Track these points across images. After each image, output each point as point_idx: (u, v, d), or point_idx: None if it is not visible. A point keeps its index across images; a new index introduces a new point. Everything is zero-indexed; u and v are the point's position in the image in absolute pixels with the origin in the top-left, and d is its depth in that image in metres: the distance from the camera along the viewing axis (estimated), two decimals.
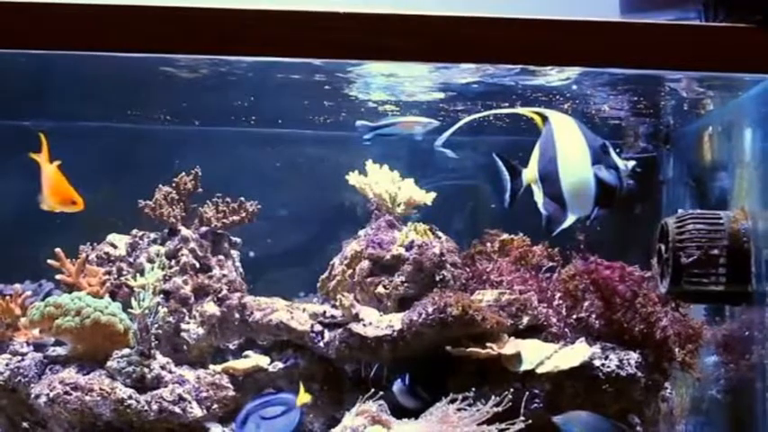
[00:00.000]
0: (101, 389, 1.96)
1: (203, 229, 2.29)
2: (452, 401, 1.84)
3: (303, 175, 2.59)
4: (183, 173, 2.28)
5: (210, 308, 2.19)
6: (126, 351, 2.04)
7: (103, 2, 1.51)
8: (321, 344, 2.08)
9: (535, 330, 2.05)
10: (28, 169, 2.07)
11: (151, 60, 1.80)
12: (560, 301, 2.07)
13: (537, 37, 1.54)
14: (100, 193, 2.31)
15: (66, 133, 2.31)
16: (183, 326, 2.18)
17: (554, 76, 1.93)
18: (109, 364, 2.02)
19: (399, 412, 1.90)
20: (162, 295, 2.13)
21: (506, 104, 2.16)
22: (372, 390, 1.90)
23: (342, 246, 2.29)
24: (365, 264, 2.19)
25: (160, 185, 2.27)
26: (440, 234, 2.23)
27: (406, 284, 2.14)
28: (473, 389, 1.85)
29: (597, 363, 1.95)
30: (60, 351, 2.09)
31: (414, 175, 2.34)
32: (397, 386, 1.96)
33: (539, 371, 1.93)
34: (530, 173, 1.83)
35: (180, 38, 1.52)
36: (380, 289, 2.16)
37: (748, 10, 1.55)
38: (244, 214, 2.29)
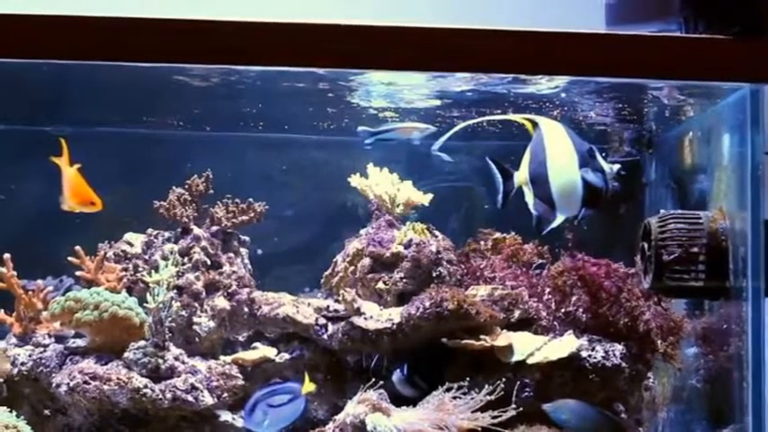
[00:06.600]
0: (118, 378, 1.96)
1: (214, 228, 2.28)
2: (448, 390, 1.84)
3: (308, 177, 2.58)
4: (195, 175, 2.28)
5: (221, 302, 2.19)
6: (142, 343, 2.04)
7: (120, 15, 1.51)
8: (325, 336, 2.08)
9: (526, 323, 2.05)
10: (49, 172, 2.07)
11: (165, 70, 1.80)
12: (550, 296, 2.07)
13: (528, 47, 1.53)
14: (117, 194, 2.30)
15: (86, 138, 2.31)
16: (195, 319, 2.18)
17: (544, 85, 1.93)
18: (125, 355, 2.03)
19: (398, 400, 1.90)
20: (175, 290, 2.13)
21: (499, 111, 2.16)
22: (373, 379, 1.90)
23: (344, 244, 2.28)
24: (366, 261, 2.19)
25: (173, 187, 2.27)
26: (436, 233, 2.23)
27: (404, 280, 2.14)
28: (468, 378, 1.85)
29: (584, 354, 1.95)
30: (80, 343, 2.10)
31: (412, 177, 2.34)
32: (396, 376, 1.96)
33: (529, 361, 1.93)
34: (521, 175, 1.82)
35: (192, 49, 1.52)
36: (381, 285, 2.16)
37: (726, 22, 1.55)
38: (252, 214, 2.29)
